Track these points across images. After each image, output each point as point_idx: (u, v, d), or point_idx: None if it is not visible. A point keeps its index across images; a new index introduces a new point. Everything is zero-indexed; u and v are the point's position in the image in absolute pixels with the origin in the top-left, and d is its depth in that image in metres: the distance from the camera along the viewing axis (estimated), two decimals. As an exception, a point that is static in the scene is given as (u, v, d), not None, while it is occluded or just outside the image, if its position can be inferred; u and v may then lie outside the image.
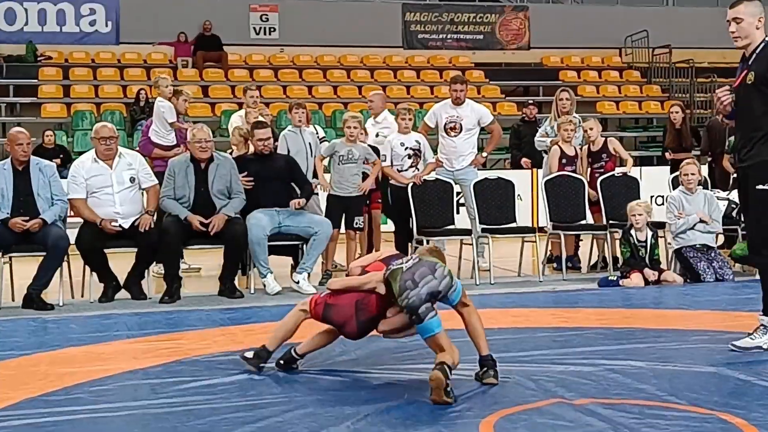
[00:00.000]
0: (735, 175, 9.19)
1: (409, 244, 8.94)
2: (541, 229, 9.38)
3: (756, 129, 5.10)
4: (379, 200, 9.31)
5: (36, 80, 17.39)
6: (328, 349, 5.29)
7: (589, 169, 9.27)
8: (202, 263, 9.52)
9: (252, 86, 10.10)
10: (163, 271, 7.98)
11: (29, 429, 3.99)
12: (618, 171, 9.18)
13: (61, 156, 13.65)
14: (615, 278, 8.19)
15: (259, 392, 4.54)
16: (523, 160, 12.23)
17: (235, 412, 4.19)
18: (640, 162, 15.86)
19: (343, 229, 8.67)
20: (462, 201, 9.80)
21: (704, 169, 10.62)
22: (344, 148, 8.66)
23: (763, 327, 5.20)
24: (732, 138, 9.82)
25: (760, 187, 5.07)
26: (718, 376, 4.76)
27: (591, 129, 9.20)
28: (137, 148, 9.32)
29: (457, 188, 9.26)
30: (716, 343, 5.42)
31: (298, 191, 8.29)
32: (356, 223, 8.64)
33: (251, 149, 8.52)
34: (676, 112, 11.20)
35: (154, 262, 8.20)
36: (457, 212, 9.81)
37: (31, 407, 4.32)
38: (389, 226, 9.44)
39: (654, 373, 4.81)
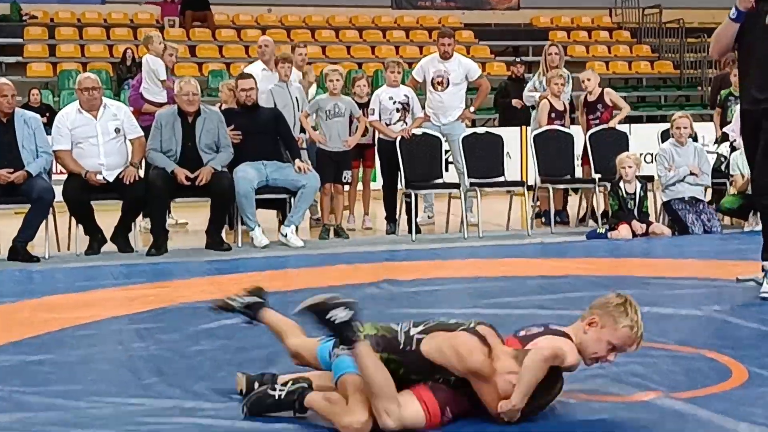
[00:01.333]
0: (725, 128, 9.20)
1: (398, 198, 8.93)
2: (530, 187, 9.35)
3: None
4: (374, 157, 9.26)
5: (21, 39, 17.19)
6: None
7: (585, 120, 9.24)
8: (189, 219, 9.47)
9: (300, 44, 9.95)
10: (149, 226, 7.93)
11: (13, 370, 3.95)
12: (612, 122, 9.14)
13: (47, 115, 13.51)
14: (603, 231, 8.18)
15: (245, 335, 4.50)
16: (515, 101, 11.82)
17: (222, 354, 4.17)
18: (629, 120, 15.80)
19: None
20: (450, 157, 9.74)
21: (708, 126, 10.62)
22: (329, 103, 8.59)
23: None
24: (723, 91, 9.77)
25: None
26: (706, 319, 4.77)
27: (588, 80, 9.15)
28: (127, 104, 9.23)
29: (445, 144, 9.21)
30: (704, 288, 5.42)
31: (284, 148, 8.24)
32: (344, 178, 8.59)
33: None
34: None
35: (141, 217, 8.18)
36: (446, 169, 9.77)
37: (15, 350, 4.29)
38: (378, 182, 9.39)
39: (642, 315, 4.79)
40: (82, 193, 7.49)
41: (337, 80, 8.58)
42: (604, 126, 9.08)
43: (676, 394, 3.39)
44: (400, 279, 6.00)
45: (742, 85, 5.34)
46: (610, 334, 3.16)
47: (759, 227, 5.76)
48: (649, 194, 8.51)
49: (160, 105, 8.87)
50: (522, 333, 3.30)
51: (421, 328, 3.19)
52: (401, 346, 3.14)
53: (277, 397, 3.22)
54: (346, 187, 8.86)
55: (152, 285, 6.04)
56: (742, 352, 4.00)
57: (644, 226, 8.07)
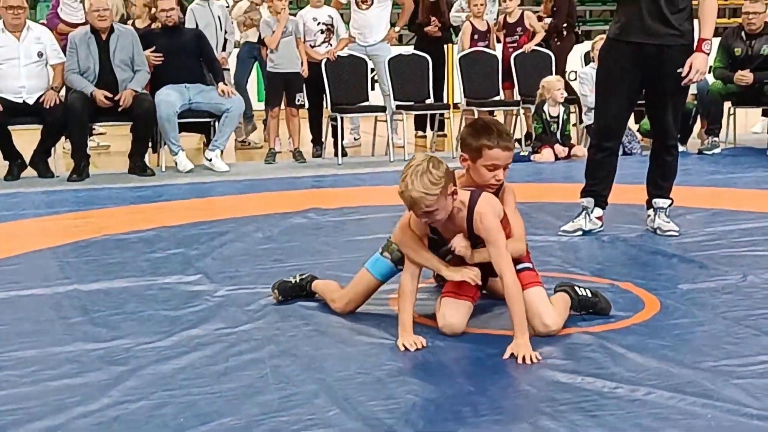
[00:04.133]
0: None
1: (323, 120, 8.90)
2: (456, 106, 9.40)
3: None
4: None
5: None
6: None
7: (501, 43, 9.27)
8: (112, 141, 9.33)
9: None
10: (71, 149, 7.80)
11: (-66, 310, 3.91)
12: (527, 47, 9.16)
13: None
14: (526, 154, 8.31)
15: (170, 270, 4.53)
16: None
17: (147, 290, 4.17)
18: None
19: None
20: (376, 77, 9.71)
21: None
22: (276, 24, 8.40)
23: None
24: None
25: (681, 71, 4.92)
26: (621, 247, 4.93)
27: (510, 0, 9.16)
28: (43, 22, 8.99)
29: (371, 64, 9.17)
30: (622, 216, 5.57)
31: (207, 70, 8.11)
32: (298, 100, 8.46)
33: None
34: None
35: (64, 139, 8.05)
36: (372, 89, 9.75)
37: (-66, 288, 4.23)
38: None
39: (560, 245, 4.94)
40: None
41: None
42: (520, 51, 9.12)
43: (590, 328, 3.53)
44: (326, 207, 6.04)
45: (628, 11, 4.98)
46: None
47: (681, 148, 5.95)
48: (572, 116, 8.64)
49: (75, 25, 8.67)
50: None
51: None
52: None
53: (293, 283, 3.96)
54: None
55: (75, 215, 5.97)
56: (653, 282, 4.16)
57: (566, 149, 8.22)
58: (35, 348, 3.37)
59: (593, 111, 8.23)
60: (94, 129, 8.85)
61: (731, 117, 8.96)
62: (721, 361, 3.15)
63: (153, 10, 8.60)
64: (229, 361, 3.23)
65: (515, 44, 9.21)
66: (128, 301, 4.00)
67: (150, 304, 3.95)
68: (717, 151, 8.39)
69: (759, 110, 9.71)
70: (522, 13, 9.32)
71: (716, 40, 8.91)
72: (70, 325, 3.66)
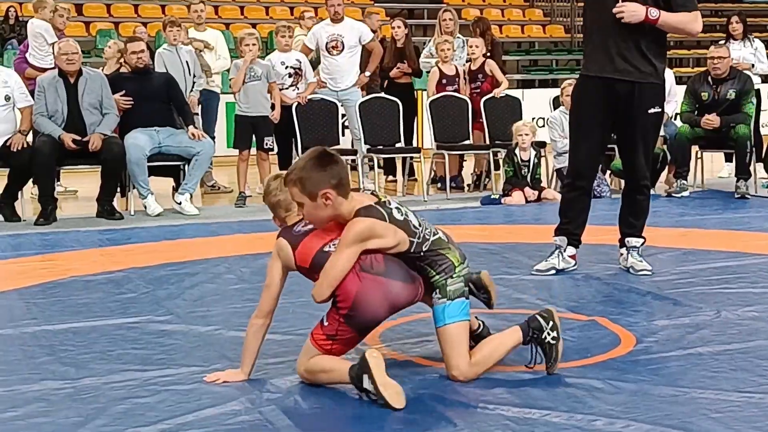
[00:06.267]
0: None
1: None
2: (427, 150, 9.43)
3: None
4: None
5: None
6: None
7: (468, 88, 9.34)
8: (80, 186, 9.24)
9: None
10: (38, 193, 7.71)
11: None
12: (495, 92, 9.23)
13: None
14: (497, 197, 8.33)
15: (139, 310, 4.46)
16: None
17: (116, 330, 4.10)
18: (522, 85, 16.07)
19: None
20: (347, 122, 9.72)
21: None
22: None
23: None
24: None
25: (652, 110, 5.00)
26: (595, 285, 4.92)
27: (477, 47, 9.22)
28: (12, 68, 8.96)
29: (342, 109, 9.18)
30: (593, 254, 5.56)
31: (177, 113, 8.08)
32: (266, 144, 8.43)
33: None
34: (399, 27, 9.98)
35: (32, 184, 7.96)
36: (343, 134, 9.77)
37: None
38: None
39: (533, 283, 4.93)
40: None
41: (253, 44, 8.39)
42: (490, 96, 9.19)
43: (568, 363, 3.49)
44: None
45: (597, 48, 5.03)
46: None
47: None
48: (542, 160, 8.68)
49: (44, 70, 8.64)
50: None
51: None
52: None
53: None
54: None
55: (42, 257, 5.88)
56: (628, 318, 4.16)
57: (536, 192, 8.25)
58: (2, 387, 3.29)
59: (563, 154, 8.38)
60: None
61: (699, 161, 9.05)
62: (699, 394, 3.14)
63: (123, 56, 8.61)
64: (201, 399, 3.17)
65: (478, 90, 9.29)
66: (97, 341, 3.92)
67: (119, 344, 3.88)
68: (685, 194, 8.45)
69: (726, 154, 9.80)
70: (484, 62, 9.38)
71: (682, 88, 9.11)
72: (38, 365, 3.58)
